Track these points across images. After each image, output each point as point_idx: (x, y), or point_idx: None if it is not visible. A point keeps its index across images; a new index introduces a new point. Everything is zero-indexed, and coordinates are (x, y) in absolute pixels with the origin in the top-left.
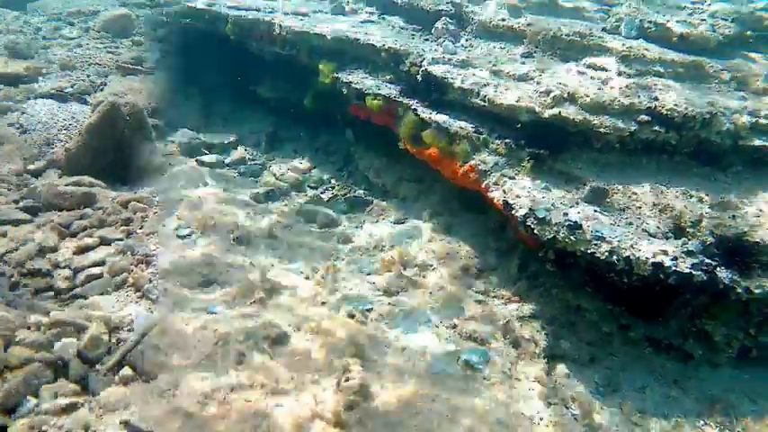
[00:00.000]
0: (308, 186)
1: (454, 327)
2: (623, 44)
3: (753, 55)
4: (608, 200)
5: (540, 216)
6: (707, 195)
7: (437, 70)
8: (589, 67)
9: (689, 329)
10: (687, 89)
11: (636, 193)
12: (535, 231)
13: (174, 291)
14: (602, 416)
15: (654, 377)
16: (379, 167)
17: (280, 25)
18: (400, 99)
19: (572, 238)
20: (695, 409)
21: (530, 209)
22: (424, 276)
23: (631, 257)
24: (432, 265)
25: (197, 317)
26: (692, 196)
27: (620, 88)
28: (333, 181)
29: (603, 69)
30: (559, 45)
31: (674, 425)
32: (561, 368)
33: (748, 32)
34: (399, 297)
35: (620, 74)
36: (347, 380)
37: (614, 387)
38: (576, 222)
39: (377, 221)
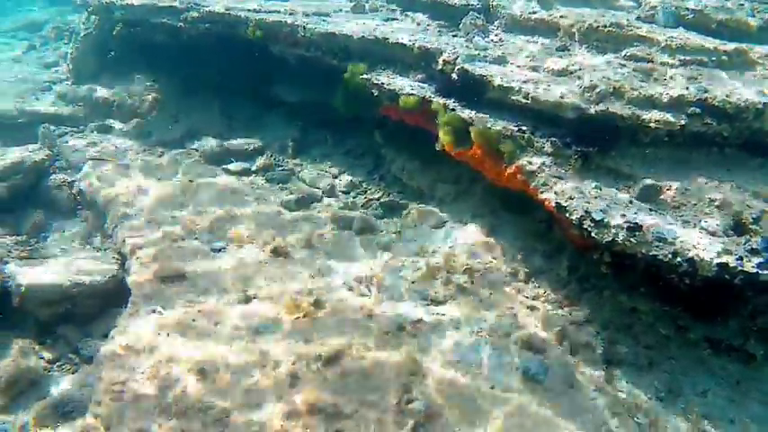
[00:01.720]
0: (340, 191)
1: (508, 335)
2: (663, 33)
3: None
4: (661, 197)
5: (597, 218)
6: (762, 189)
7: (474, 68)
8: (630, 58)
9: (750, 329)
10: (733, 78)
11: (689, 189)
12: (592, 234)
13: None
14: (668, 424)
15: (715, 380)
16: (413, 170)
17: (304, 27)
18: (436, 98)
19: (632, 240)
20: (762, 413)
21: (585, 211)
22: (471, 282)
23: (695, 258)
24: (479, 270)
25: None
26: (746, 190)
27: (665, 79)
28: (364, 185)
29: (645, 60)
30: (596, 37)
31: (742, 430)
32: (620, 374)
33: None
34: (448, 306)
35: (662, 64)
36: (409, 402)
37: (676, 392)
38: (635, 223)
39: (416, 225)
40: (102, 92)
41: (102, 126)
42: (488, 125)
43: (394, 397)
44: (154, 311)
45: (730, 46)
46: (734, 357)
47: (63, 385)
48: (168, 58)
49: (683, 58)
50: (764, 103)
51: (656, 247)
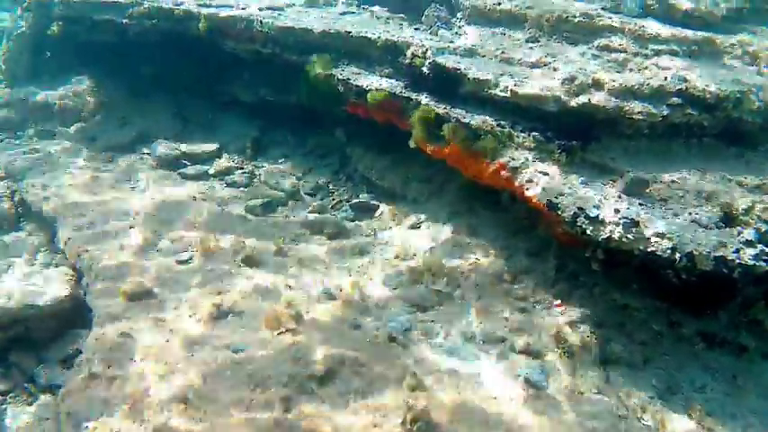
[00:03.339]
0: (306, 194)
1: (503, 341)
2: (635, 24)
3: (755, 28)
4: (648, 190)
5: (592, 215)
6: (745, 178)
7: (447, 61)
8: (603, 49)
9: (740, 321)
10: (706, 68)
11: (676, 182)
12: (587, 232)
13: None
14: (674, 424)
15: (711, 375)
16: (383, 168)
17: (260, 21)
18: (407, 94)
19: (629, 236)
20: (760, 406)
21: (579, 208)
22: (457, 286)
23: (694, 252)
24: (463, 272)
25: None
26: (730, 180)
27: (641, 70)
28: (331, 186)
29: (619, 51)
30: (566, 28)
31: (745, 425)
32: (617, 374)
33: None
34: (437, 312)
35: (636, 54)
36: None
37: (674, 389)
38: (631, 219)
39: (390, 227)
40: (40, 95)
41: (42, 131)
42: (465, 120)
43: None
44: None
45: (699, 35)
46: (726, 350)
47: (20, 419)
48: (112, 57)
49: (655, 47)
50: (741, 91)
51: (655, 242)
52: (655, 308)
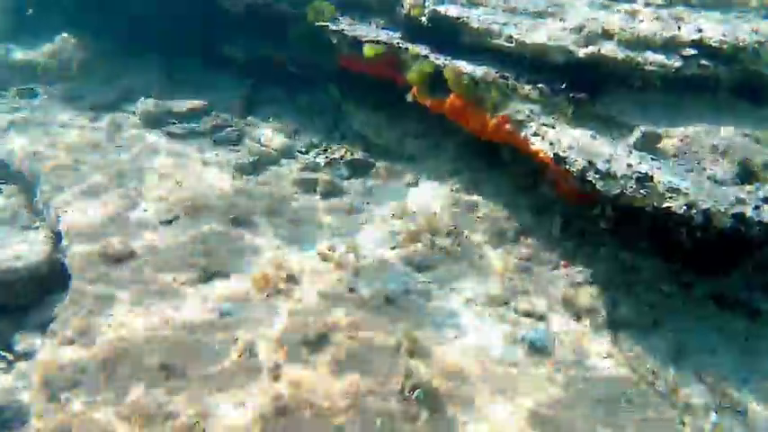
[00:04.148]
0: (298, 152)
1: (506, 303)
2: None
3: None
4: (659, 145)
5: (603, 169)
6: (762, 133)
7: (447, 9)
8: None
9: (754, 283)
10: (721, 18)
11: (688, 137)
12: (597, 187)
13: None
14: (687, 389)
15: (723, 337)
16: (378, 125)
17: None
18: (404, 45)
19: (642, 192)
20: None
21: (588, 161)
22: (458, 245)
23: (711, 210)
24: (463, 232)
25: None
26: (747, 135)
27: (652, 20)
28: (324, 143)
29: (628, 1)
30: None
31: (758, 389)
32: (626, 337)
33: None
34: (436, 272)
35: (646, 5)
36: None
37: (685, 353)
38: (645, 174)
39: (386, 185)
40: (21, 53)
41: (25, 90)
42: (468, 71)
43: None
44: None
45: None
46: (739, 313)
47: None
48: (96, 13)
49: None
50: (760, 42)
51: (670, 198)
52: (664, 268)
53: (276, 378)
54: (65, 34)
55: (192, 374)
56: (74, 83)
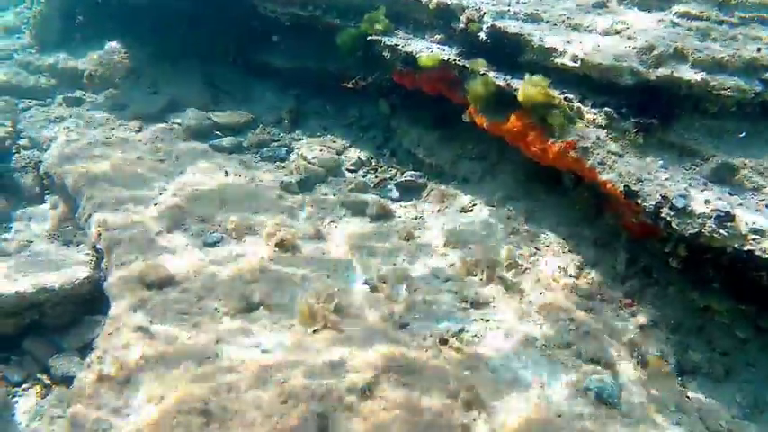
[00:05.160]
0: (347, 170)
1: (569, 345)
2: None
3: None
4: (737, 177)
5: (679, 206)
6: None
7: (507, 26)
8: (681, 16)
9: None
10: None
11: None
12: (673, 225)
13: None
14: None
15: None
16: (431, 144)
17: None
18: (462, 62)
19: (722, 232)
20: None
21: (663, 196)
22: (513, 280)
23: None
24: (522, 265)
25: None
26: None
27: (726, 41)
28: (374, 161)
29: (699, 18)
30: None
31: None
32: (696, 387)
33: None
34: (492, 310)
35: (720, 23)
36: None
37: (761, 407)
38: (726, 212)
39: (439, 209)
40: (69, 60)
41: (70, 98)
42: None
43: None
44: None
45: None
46: None
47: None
48: (144, 22)
49: (742, 15)
50: None
51: (754, 241)
52: (739, 311)
53: None
54: (112, 42)
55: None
56: (118, 91)
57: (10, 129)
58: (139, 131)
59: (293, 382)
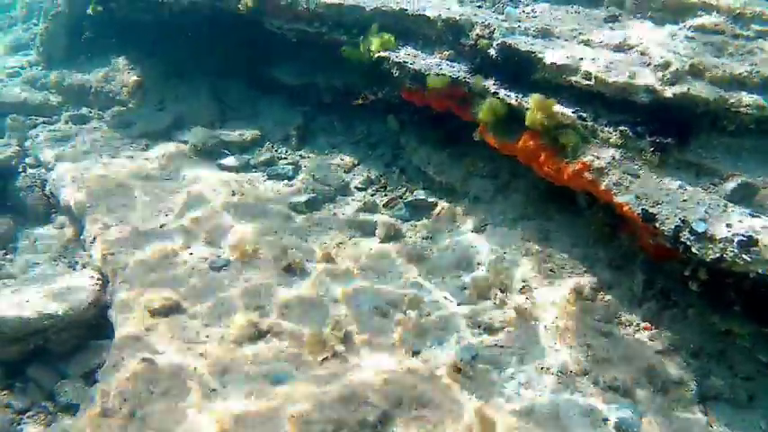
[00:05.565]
0: (356, 188)
1: (586, 373)
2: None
3: None
4: (758, 197)
5: (699, 230)
6: None
7: (518, 43)
8: (697, 30)
9: None
10: None
11: None
12: (693, 250)
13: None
14: None
15: None
16: (441, 161)
17: None
18: (471, 80)
19: (745, 257)
20: None
21: (682, 220)
22: (530, 303)
23: None
24: (536, 287)
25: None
26: None
27: (743, 55)
28: (383, 179)
29: (716, 33)
30: (653, 6)
31: None
32: (719, 414)
33: None
34: (507, 336)
35: (736, 36)
36: None
37: None
38: (748, 237)
39: (449, 229)
40: (76, 77)
41: (77, 116)
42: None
43: None
44: None
45: None
46: None
47: None
48: (150, 38)
49: (759, 28)
50: None
51: None
52: (761, 334)
53: None
54: (119, 59)
55: None
56: (125, 107)
57: (16, 148)
58: (146, 149)
59: None
